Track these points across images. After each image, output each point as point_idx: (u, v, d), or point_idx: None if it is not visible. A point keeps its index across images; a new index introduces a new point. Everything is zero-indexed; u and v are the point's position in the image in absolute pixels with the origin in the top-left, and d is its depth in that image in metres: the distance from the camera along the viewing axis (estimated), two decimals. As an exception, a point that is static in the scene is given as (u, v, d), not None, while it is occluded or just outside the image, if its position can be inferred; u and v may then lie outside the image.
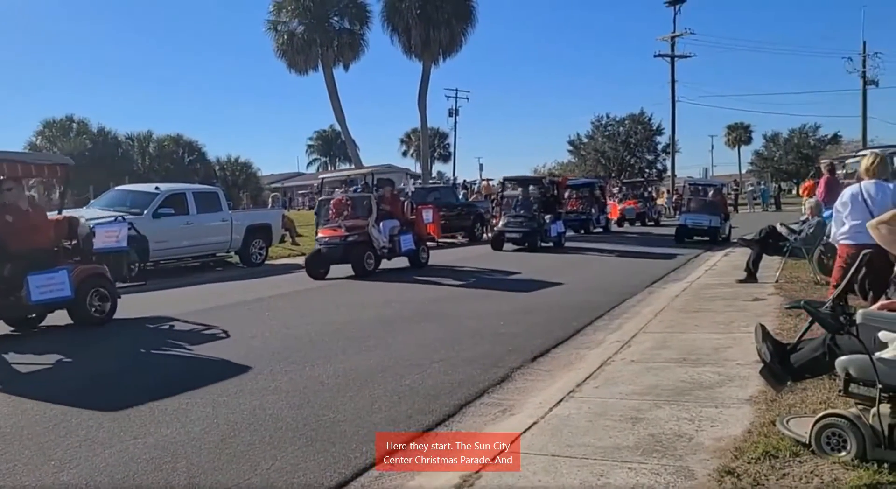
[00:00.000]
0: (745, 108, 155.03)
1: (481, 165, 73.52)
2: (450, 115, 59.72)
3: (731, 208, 32.37)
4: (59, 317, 9.24)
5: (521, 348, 7.55)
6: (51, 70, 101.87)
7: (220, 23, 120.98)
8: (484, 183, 34.51)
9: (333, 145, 76.90)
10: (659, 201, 44.84)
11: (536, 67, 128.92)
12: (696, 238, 22.19)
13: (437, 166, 69.23)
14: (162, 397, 5.91)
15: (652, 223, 34.21)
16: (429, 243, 17.12)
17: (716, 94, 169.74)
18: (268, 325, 9.30)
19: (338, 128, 45.70)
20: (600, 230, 28.86)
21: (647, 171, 61.45)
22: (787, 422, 4.21)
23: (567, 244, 21.44)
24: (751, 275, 11.52)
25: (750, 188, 54.73)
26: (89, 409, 5.60)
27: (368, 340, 8.13)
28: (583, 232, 27.36)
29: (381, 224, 14.65)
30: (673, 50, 51.22)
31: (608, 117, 63.33)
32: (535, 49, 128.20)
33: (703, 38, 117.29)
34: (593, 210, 29.01)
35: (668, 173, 57.31)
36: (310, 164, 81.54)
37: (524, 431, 4.72)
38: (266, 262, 18.17)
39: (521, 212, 20.51)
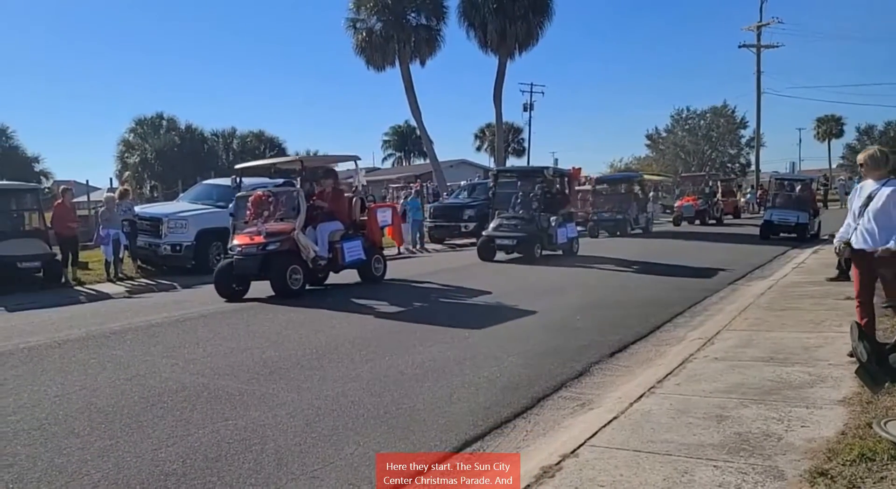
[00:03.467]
0: (837, 99, 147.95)
1: (556, 160, 72.64)
2: (524, 109, 59.19)
3: (820, 204, 30.45)
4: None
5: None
6: (143, 69, 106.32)
7: (302, 21, 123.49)
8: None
9: (408, 140, 77.47)
10: (741, 198, 43.39)
11: (613, 60, 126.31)
12: (782, 235, 21.44)
13: (512, 161, 68.84)
14: (250, 382, 6.16)
15: (714, 222, 30.65)
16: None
17: (804, 85, 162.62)
18: (345, 315, 9.48)
19: (413, 123, 46.07)
20: (639, 231, 25.48)
21: (729, 165, 59.57)
22: (885, 424, 4.04)
23: (583, 252, 17.54)
24: (843, 274, 11.03)
25: (841, 183, 52.32)
26: (184, 391, 5.87)
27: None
28: (619, 234, 24.12)
29: (318, 227, 11.82)
30: (759, 40, 49.38)
31: (689, 110, 61.65)
32: (613, 41, 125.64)
33: (791, 27, 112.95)
34: (630, 209, 25.46)
35: (752, 168, 55.37)
36: (385, 159, 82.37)
37: (604, 426, 4.68)
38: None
39: (519, 212, 16.72)
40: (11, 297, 11.98)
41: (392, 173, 58.71)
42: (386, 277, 12.98)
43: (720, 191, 35.61)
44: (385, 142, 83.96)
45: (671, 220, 30.88)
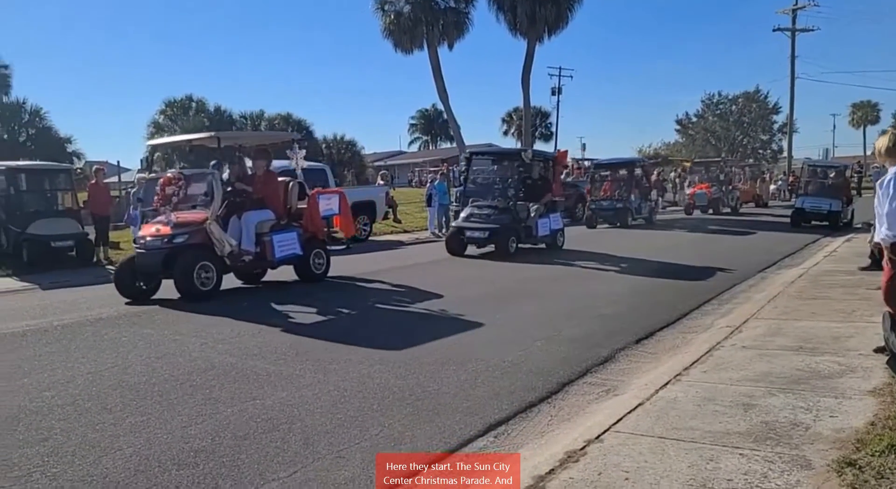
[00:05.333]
0: (873, 85, 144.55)
1: (584, 145, 72.23)
2: (552, 93, 58.71)
3: (853, 192, 29.46)
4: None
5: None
6: (172, 52, 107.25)
7: (330, 4, 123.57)
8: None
9: (435, 124, 77.37)
10: (771, 186, 42.62)
11: (643, 44, 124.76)
12: (814, 223, 21.12)
13: (539, 146, 68.43)
14: (276, 362, 6.24)
15: (728, 210, 28.59)
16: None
17: (839, 70, 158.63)
18: (370, 300, 9.54)
19: (440, 106, 46.01)
20: (642, 221, 22.98)
21: (760, 151, 58.63)
22: (916, 415, 3.98)
23: (573, 245, 15.89)
24: (875, 263, 10.83)
25: (875, 170, 51.24)
26: (212, 370, 5.97)
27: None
28: (618, 225, 22.07)
29: (243, 217, 10.08)
30: (794, 23, 48.35)
31: (720, 95, 60.71)
32: (644, 25, 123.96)
33: (827, 10, 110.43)
34: (633, 196, 22.91)
35: (784, 154, 54.45)
36: (411, 142, 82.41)
37: (629, 412, 4.67)
38: (370, 238, 18.57)
39: (494, 200, 14.69)
40: (45, 276, 12.25)
41: (418, 157, 58.70)
42: (330, 275, 11.32)
43: (740, 177, 34.62)
44: (412, 125, 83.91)
45: (682, 209, 28.85)
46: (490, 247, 14.23)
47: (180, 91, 62.21)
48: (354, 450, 4.25)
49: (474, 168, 16.09)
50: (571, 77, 59.43)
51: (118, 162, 24.42)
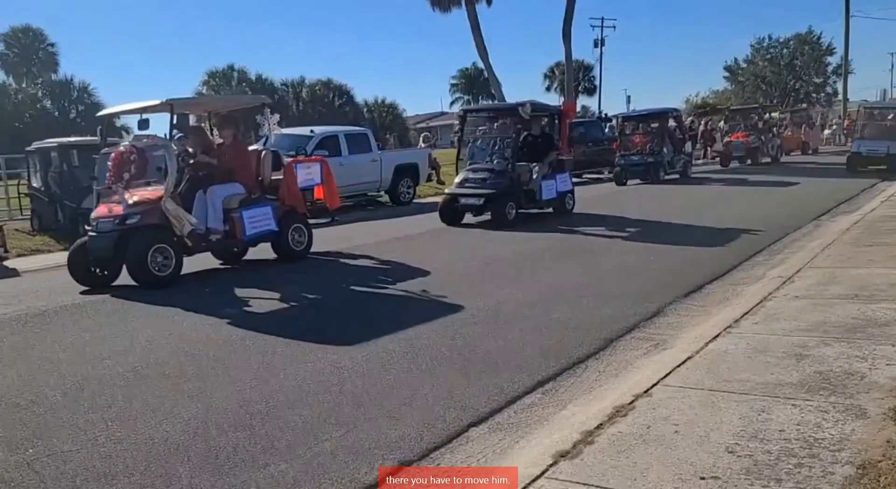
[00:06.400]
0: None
1: (629, 97, 70.90)
2: (595, 46, 57.44)
3: None
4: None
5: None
6: (214, 22, 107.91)
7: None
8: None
9: (476, 83, 76.53)
10: (825, 131, 41.12)
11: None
12: (871, 167, 20.41)
13: (582, 100, 67.14)
14: (322, 326, 6.36)
15: (769, 160, 26.93)
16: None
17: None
18: (417, 260, 9.60)
19: (481, 65, 45.33)
20: (676, 176, 21.55)
21: (814, 95, 56.51)
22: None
23: (587, 208, 14.54)
24: (936, 206, 10.47)
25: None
26: (265, 335, 6.11)
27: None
28: (649, 181, 20.61)
29: (209, 192, 9.08)
30: (847, -43, 46.07)
31: (770, 39, 58.43)
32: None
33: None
34: (665, 150, 21.29)
35: (839, 97, 52.40)
36: (453, 102, 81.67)
37: (678, 365, 4.64)
38: (414, 201, 18.61)
39: (492, 162, 13.11)
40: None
41: (454, 119, 58.37)
42: (314, 250, 10.26)
43: (785, 124, 33.15)
44: (453, 85, 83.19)
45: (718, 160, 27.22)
46: (487, 216, 12.83)
47: (222, 61, 62.74)
48: (405, 409, 4.32)
49: (470, 128, 14.81)
50: (614, 27, 57.89)
51: (165, 135, 24.79)
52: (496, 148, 13.37)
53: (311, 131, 17.52)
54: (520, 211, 12.96)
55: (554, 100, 64.15)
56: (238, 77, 51.09)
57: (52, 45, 51.31)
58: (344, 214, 15.97)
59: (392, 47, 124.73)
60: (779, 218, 11.91)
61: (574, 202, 14.27)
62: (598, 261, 9.14)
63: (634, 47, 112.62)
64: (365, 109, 52.59)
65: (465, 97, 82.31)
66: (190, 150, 9.35)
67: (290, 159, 10.50)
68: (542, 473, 3.23)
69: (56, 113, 46.29)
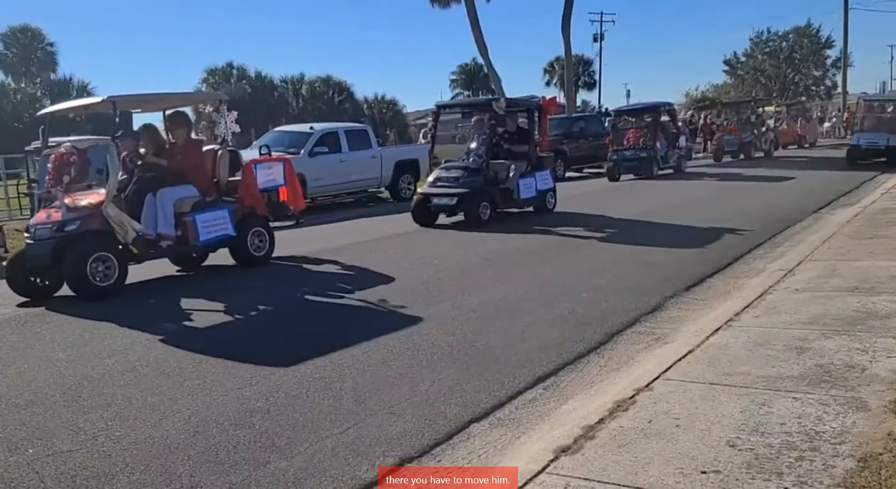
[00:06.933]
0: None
1: (628, 92, 70.79)
2: (594, 40, 57.51)
3: None
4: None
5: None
6: (214, 19, 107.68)
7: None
8: None
9: (476, 78, 76.43)
10: (825, 124, 41.04)
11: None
12: (871, 160, 20.38)
13: (582, 95, 67.08)
14: (323, 324, 6.35)
15: (762, 155, 26.35)
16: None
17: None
18: (417, 257, 9.59)
19: (480, 60, 45.31)
20: (670, 171, 21.22)
21: (813, 88, 56.44)
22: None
23: (569, 207, 13.70)
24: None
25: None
26: (263, 334, 6.11)
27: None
28: (643, 176, 20.11)
29: (159, 195, 8.43)
30: (846, -51, 45.95)
31: (769, 32, 58.36)
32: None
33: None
34: (659, 145, 20.88)
35: (839, 90, 52.31)
36: (453, 98, 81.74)
37: (679, 359, 4.63)
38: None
39: (467, 160, 12.73)
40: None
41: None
42: (280, 254, 9.72)
43: (781, 118, 32.76)
44: (453, 81, 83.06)
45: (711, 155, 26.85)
46: (461, 216, 12.15)
47: (222, 59, 62.61)
48: (405, 405, 4.32)
49: (444, 124, 14.28)
50: (613, 22, 58.08)
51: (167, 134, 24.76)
52: (472, 146, 12.94)
53: (311, 128, 17.51)
54: (498, 211, 12.45)
55: (554, 94, 64.04)
56: (237, 74, 50.97)
57: (51, 44, 51.21)
58: (344, 211, 16.07)
59: (392, 43, 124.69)
60: (780, 211, 11.89)
61: (556, 200, 13.64)
62: (573, 260, 9.13)
63: (634, 42, 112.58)
64: (365, 106, 52.51)
65: (465, 93, 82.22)
66: (142, 150, 8.80)
67: (251, 160, 9.77)
68: (544, 469, 3.23)
69: (56, 112, 46.30)
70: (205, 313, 7.01)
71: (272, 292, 7.96)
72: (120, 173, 8.30)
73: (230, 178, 9.34)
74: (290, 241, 10.58)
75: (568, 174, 23.20)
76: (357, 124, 21.03)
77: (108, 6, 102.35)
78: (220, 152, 9.33)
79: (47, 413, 4.47)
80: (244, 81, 49.53)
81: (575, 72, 51.84)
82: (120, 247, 7.99)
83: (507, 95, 14.25)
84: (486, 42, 37.37)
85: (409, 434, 3.91)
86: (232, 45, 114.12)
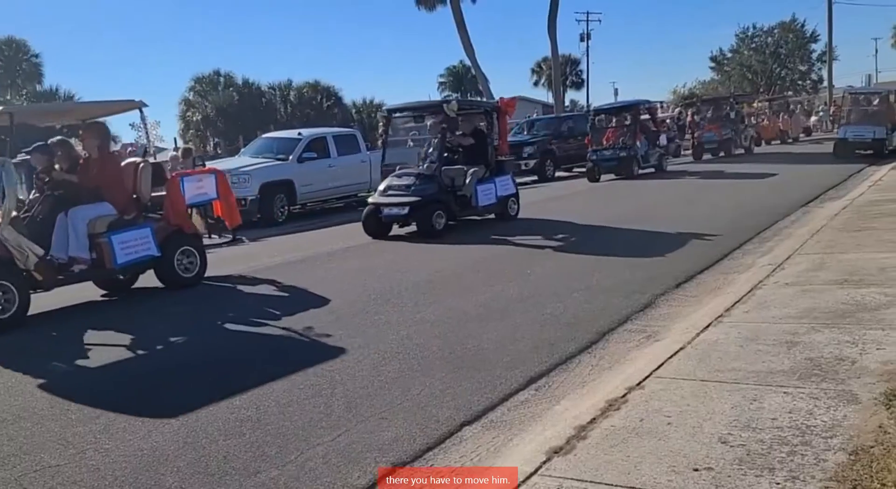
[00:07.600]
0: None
1: (616, 90, 70.89)
2: (581, 39, 57.73)
3: None
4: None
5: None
6: (198, 27, 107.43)
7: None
8: None
9: (464, 80, 76.50)
10: (812, 118, 41.21)
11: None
12: (858, 152, 20.49)
13: (570, 95, 67.26)
14: (315, 329, 6.31)
15: (742, 151, 26.07)
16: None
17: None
18: (406, 261, 9.56)
19: (468, 62, 45.36)
20: (651, 170, 20.87)
21: (799, 83, 56.68)
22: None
23: (525, 214, 12.97)
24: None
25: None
26: (254, 343, 6.07)
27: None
28: (623, 176, 19.78)
29: (70, 214, 7.72)
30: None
31: (755, 28, 58.59)
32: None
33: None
34: (639, 144, 20.44)
35: (825, 84, 52.60)
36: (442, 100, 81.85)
37: (670, 357, 4.63)
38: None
39: (421, 166, 12.08)
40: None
41: (449, 115, 58.33)
42: (215, 274, 9.09)
43: (763, 114, 32.73)
44: (441, 83, 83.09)
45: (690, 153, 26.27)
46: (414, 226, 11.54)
47: (208, 66, 62.38)
48: (396, 410, 4.29)
49: (397, 128, 13.62)
50: (600, 21, 58.31)
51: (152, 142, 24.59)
52: (430, 150, 12.24)
53: (299, 133, 17.50)
54: (456, 220, 11.91)
55: (542, 94, 64.21)
56: (225, 82, 50.80)
57: (36, 55, 50.92)
58: (333, 216, 16.01)
59: (379, 47, 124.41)
60: (766, 206, 11.92)
61: (518, 207, 12.98)
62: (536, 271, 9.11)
63: (621, 40, 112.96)
64: (353, 110, 52.42)
65: (454, 95, 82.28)
66: (57, 166, 8.13)
67: (176, 173, 9.07)
68: (536, 471, 3.21)
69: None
70: (103, 350, 6.21)
71: (196, 319, 7.22)
72: (33, 192, 7.77)
73: (154, 193, 8.54)
74: (229, 260, 10.32)
75: (557, 174, 23.25)
76: (346, 129, 21.03)
77: (94, 17, 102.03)
78: (141, 165, 8.50)
79: None
80: (231, 88, 49.40)
81: (562, 71, 52.01)
82: (23, 274, 7.15)
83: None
84: (472, 43, 37.44)
85: (401, 439, 3.88)
86: (219, 53, 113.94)
